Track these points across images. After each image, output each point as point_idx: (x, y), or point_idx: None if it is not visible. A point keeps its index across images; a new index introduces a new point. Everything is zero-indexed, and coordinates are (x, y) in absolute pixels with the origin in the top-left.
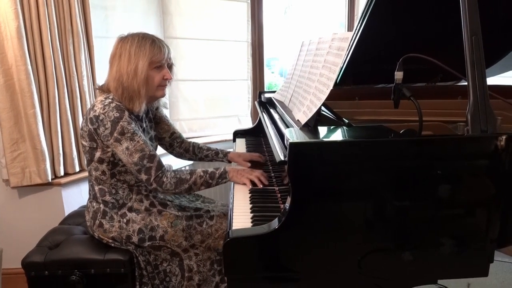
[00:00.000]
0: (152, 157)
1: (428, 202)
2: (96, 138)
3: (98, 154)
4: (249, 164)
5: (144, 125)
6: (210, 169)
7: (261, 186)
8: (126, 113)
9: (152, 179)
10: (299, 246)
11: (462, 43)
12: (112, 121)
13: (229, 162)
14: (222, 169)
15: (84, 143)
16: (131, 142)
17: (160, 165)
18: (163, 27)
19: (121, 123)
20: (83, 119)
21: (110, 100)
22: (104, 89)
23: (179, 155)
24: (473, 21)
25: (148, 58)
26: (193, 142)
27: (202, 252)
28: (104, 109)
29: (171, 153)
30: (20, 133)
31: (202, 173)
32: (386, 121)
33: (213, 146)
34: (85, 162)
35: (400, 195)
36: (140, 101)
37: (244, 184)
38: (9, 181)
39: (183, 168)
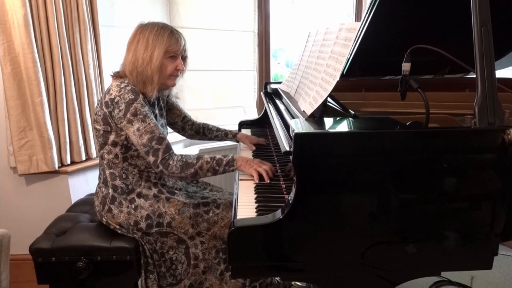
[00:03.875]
0: (161, 139)
1: (434, 195)
2: (110, 121)
3: (112, 137)
4: (253, 147)
5: (156, 111)
6: (218, 156)
7: (268, 181)
8: (141, 96)
9: (159, 161)
10: (303, 237)
11: (471, 35)
12: (126, 103)
13: (237, 142)
14: (230, 157)
15: (98, 127)
16: (143, 123)
17: (168, 148)
18: (169, 16)
19: (135, 104)
20: (98, 103)
21: (125, 84)
22: (120, 75)
23: (190, 137)
24: (482, 11)
25: (165, 47)
26: (203, 123)
27: (208, 241)
28: (120, 92)
29: (184, 135)
30: (27, 121)
31: (209, 159)
32: (392, 113)
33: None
34: (91, 150)
35: (405, 187)
36: (153, 86)
37: (251, 175)
38: (16, 168)
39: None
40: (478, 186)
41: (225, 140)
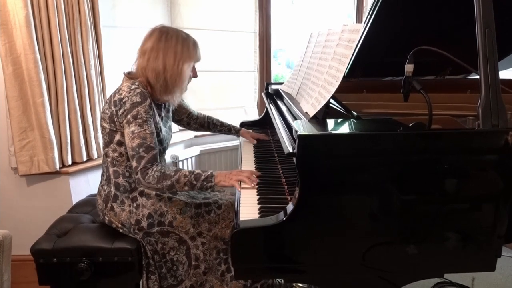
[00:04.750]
0: (150, 148)
1: (437, 196)
2: (115, 120)
3: (117, 137)
4: (254, 141)
5: (163, 114)
6: (197, 170)
7: (253, 185)
8: (148, 101)
9: (139, 168)
10: (306, 238)
11: (472, 36)
12: (132, 104)
13: (239, 136)
14: (209, 173)
15: (104, 124)
16: (139, 127)
17: (153, 158)
18: (170, 16)
19: (138, 108)
20: (106, 102)
21: (136, 86)
22: (132, 76)
23: (196, 129)
24: (486, 13)
25: (193, 61)
26: (208, 117)
27: (209, 241)
28: (129, 93)
29: (189, 129)
30: (29, 122)
31: (187, 173)
32: (393, 114)
33: (219, 137)
34: (93, 151)
35: (409, 189)
36: (176, 95)
37: (233, 186)
38: (17, 169)
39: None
40: (482, 188)
41: (228, 134)
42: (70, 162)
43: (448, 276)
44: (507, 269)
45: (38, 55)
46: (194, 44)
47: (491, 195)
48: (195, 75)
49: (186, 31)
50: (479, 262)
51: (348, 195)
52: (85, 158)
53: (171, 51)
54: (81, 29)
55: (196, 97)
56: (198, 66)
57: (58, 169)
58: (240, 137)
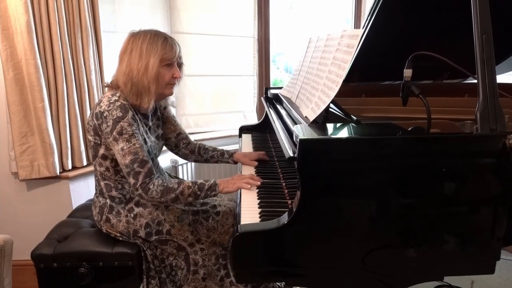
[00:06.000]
0: (144, 162)
1: (437, 200)
2: (100, 133)
3: (101, 151)
4: (255, 163)
5: (151, 123)
6: (200, 181)
7: (253, 186)
8: (130, 113)
9: (138, 184)
10: (307, 242)
11: (469, 40)
12: (114, 120)
13: (235, 163)
14: (212, 181)
15: (89, 137)
16: (127, 143)
17: (150, 172)
18: (170, 22)
19: (121, 123)
20: (90, 113)
21: (116, 97)
22: (113, 86)
23: (184, 156)
24: (484, 19)
25: (160, 55)
26: (199, 143)
27: (208, 247)
28: (109, 107)
29: (177, 153)
30: (29, 127)
31: (190, 184)
32: (392, 118)
33: (219, 141)
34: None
35: (409, 192)
36: (150, 97)
37: (239, 188)
38: (18, 174)
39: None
40: (481, 191)
41: (221, 161)
42: (70, 167)
43: (448, 279)
44: (506, 272)
45: (39, 61)
46: (165, 39)
47: (489, 198)
48: (176, 75)
49: (186, 36)
50: (479, 265)
51: (349, 199)
52: (85, 163)
53: (136, 51)
54: (81, 34)
55: (196, 101)
56: (198, 71)
57: (58, 173)
58: (240, 141)
